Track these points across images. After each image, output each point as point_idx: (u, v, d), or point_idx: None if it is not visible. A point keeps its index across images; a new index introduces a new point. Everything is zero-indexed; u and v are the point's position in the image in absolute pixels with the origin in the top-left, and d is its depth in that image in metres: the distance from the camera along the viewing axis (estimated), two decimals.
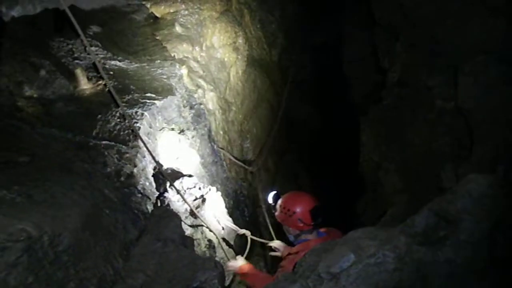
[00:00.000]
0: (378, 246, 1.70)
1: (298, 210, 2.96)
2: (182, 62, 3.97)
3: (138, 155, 2.82)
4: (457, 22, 3.45)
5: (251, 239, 3.56)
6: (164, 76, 3.62)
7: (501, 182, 1.78)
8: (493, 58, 3.11)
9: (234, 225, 3.62)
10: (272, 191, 3.43)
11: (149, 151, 2.85)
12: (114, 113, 2.97)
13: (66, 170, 2.35)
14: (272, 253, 3.45)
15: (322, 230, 3.06)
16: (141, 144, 2.88)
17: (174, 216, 2.77)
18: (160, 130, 3.29)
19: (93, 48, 3.56)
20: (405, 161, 4.44)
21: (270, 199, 3.37)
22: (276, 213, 3.14)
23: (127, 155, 2.74)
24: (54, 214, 1.99)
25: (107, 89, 2.99)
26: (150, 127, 3.08)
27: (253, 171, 5.08)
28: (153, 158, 2.89)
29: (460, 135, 3.43)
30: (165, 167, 3.11)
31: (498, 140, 2.89)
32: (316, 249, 1.94)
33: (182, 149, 3.56)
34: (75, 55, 3.48)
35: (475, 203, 1.71)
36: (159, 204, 2.92)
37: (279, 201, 3.16)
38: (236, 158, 4.87)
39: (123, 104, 3.00)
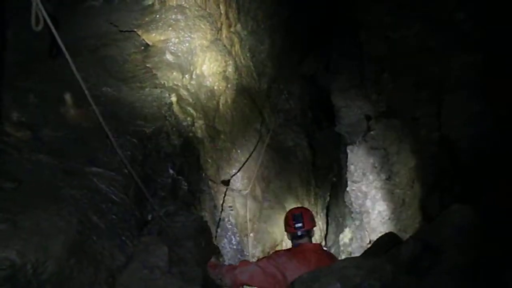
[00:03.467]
0: (364, 276, 1.71)
1: (287, 214, 3.43)
2: (172, 90, 4.01)
3: (128, 182, 2.81)
4: (439, 55, 3.56)
5: None
6: (154, 104, 3.65)
7: (484, 212, 1.81)
8: (475, 91, 3.20)
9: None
10: None
11: (136, 179, 2.84)
12: (103, 139, 2.97)
13: (53, 196, 2.33)
14: None
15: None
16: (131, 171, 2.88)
17: (161, 244, 2.75)
18: (149, 157, 3.29)
19: (83, 74, 3.58)
20: (392, 190, 4.48)
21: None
22: None
23: (117, 182, 2.73)
24: (38, 241, 1.97)
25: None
26: (140, 154, 3.08)
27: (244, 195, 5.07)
28: (142, 186, 2.88)
29: (445, 165, 3.49)
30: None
31: (481, 170, 2.95)
32: (303, 278, 1.94)
33: (171, 177, 3.55)
34: (65, 80, 3.50)
35: (459, 233, 1.74)
36: (147, 232, 2.90)
37: None
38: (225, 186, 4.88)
39: (113, 131, 3.01)
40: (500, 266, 1.61)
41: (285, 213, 3.60)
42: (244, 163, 5.42)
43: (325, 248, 3.39)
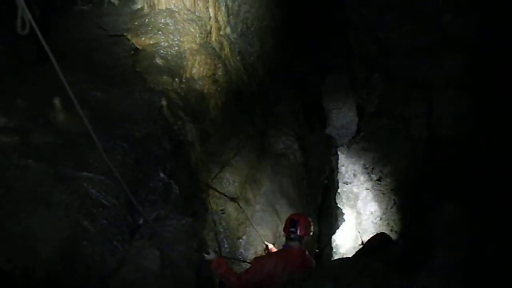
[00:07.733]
0: (356, 275, 1.71)
1: (288, 217, 3.68)
2: (162, 93, 3.99)
3: (119, 186, 2.79)
4: (429, 55, 3.59)
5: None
6: (144, 108, 3.63)
7: (474, 210, 1.83)
8: (464, 89, 3.22)
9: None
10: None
11: (123, 183, 2.82)
12: (93, 144, 2.95)
13: (42, 201, 2.31)
14: None
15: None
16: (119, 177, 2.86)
17: (153, 247, 2.74)
18: (140, 161, 3.28)
19: (73, 79, 3.56)
20: (383, 191, 4.50)
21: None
22: None
23: (107, 186, 2.72)
24: (27, 246, 1.95)
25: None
26: (130, 159, 3.06)
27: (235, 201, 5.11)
28: (128, 192, 2.86)
29: (435, 164, 3.51)
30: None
31: (470, 168, 2.97)
32: (295, 278, 1.94)
33: (161, 180, 3.54)
34: (54, 85, 3.47)
35: (449, 231, 1.75)
36: (138, 236, 2.88)
37: None
38: (216, 190, 4.86)
39: (103, 135, 2.99)
40: (491, 262, 1.62)
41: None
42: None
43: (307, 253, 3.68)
